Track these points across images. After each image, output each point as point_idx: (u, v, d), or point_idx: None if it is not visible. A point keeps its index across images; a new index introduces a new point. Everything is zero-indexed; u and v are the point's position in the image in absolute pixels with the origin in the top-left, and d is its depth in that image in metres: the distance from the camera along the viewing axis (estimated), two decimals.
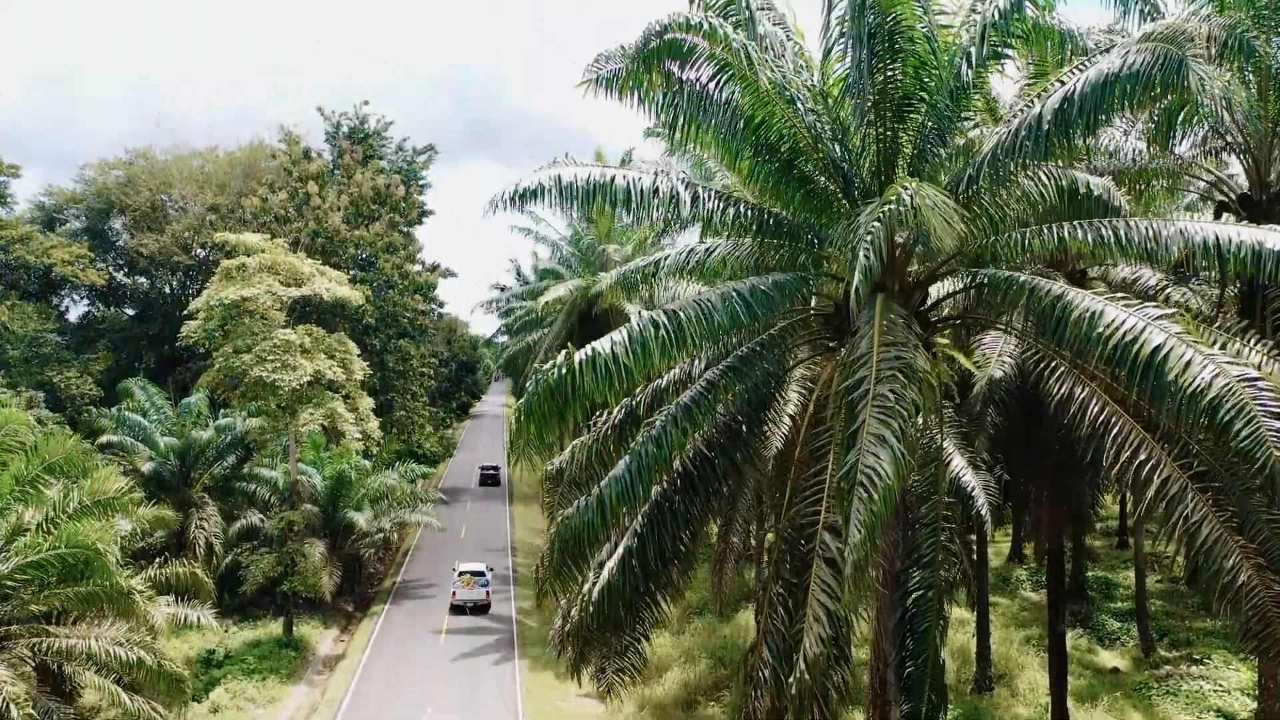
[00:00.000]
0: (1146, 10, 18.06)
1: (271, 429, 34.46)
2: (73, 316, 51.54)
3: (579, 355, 11.30)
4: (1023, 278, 12.15)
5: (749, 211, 13.68)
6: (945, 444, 17.06)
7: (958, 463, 19.28)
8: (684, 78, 12.12)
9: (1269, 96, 15.62)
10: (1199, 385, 9.96)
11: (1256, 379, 9.91)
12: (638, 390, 13.27)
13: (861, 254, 9.29)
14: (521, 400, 11.32)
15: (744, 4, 12.70)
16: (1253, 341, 12.31)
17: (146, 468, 38.71)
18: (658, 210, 13.83)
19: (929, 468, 15.62)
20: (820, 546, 11.62)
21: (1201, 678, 28.04)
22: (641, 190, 13.47)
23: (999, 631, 32.67)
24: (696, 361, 13.48)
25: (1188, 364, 10.19)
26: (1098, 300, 11.20)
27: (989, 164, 11.93)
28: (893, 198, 9.82)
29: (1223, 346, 12.28)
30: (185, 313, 35.20)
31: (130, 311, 50.12)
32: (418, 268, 52.58)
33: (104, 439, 38.91)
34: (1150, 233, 12.70)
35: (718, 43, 11.19)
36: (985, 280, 12.30)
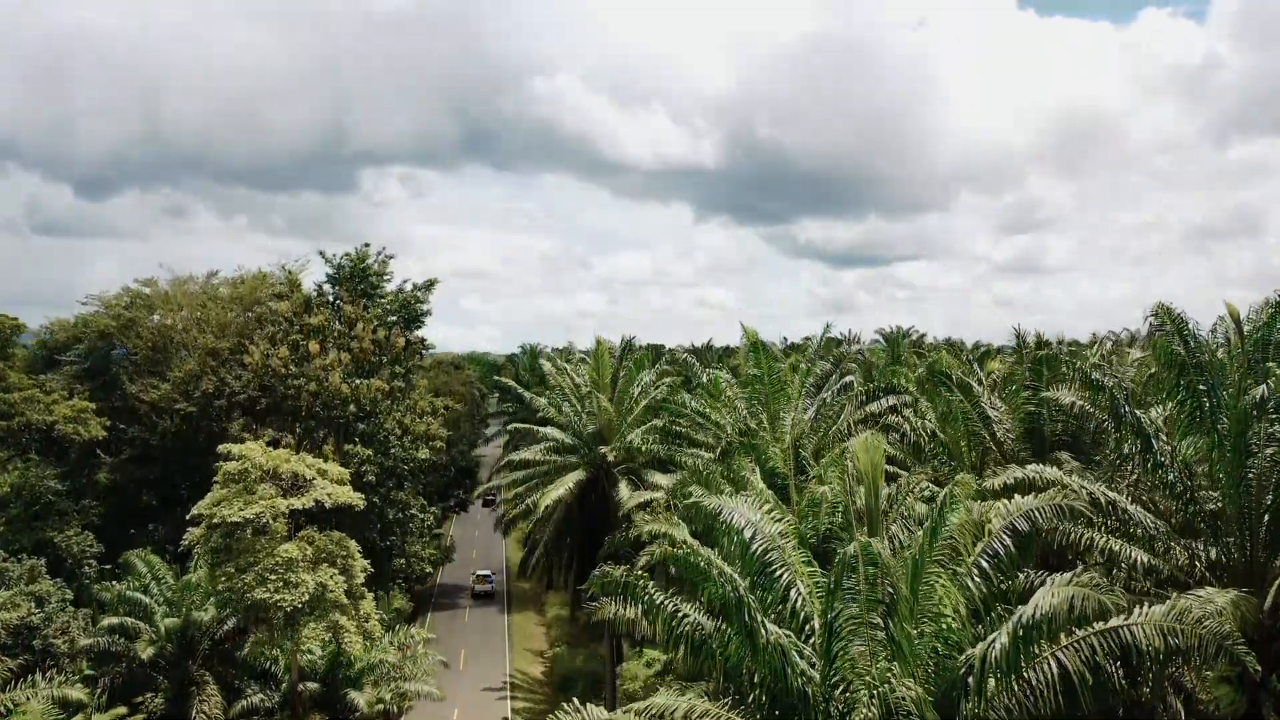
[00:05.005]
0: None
1: (274, 643, 34.70)
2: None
3: None
4: None
5: None
6: None
7: None
8: None
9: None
10: None
11: None
12: None
13: None
14: None
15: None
16: None
17: (148, 653, 39.10)
18: None
19: None
20: None
21: None
22: None
23: None
24: None
25: None
26: None
27: None
28: None
29: None
30: (189, 517, 35.56)
31: (129, 453, 50.27)
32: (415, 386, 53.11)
33: (107, 621, 39.37)
34: None
35: None
36: None
